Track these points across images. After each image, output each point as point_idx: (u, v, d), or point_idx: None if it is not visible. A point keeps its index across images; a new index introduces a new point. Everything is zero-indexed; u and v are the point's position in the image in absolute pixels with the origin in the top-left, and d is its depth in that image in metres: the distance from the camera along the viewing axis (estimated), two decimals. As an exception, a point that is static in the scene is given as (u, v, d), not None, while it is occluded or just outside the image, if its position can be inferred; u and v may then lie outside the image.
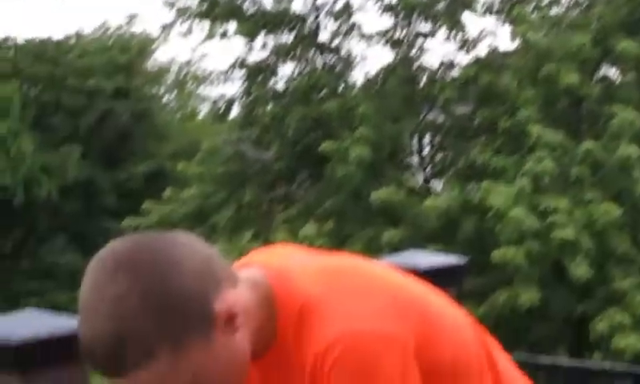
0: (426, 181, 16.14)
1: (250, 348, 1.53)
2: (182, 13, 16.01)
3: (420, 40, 15.96)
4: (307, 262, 1.63)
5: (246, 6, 16.19)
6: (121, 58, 24.81)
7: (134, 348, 1.41)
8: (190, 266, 1.46)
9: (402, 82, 15.72)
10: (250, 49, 16.49)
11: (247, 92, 16.80)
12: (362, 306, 1.53)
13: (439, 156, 16.44)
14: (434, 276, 1.97)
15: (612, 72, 15.11)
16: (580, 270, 12.04)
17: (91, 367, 1.46)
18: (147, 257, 1.45)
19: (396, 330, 1.51)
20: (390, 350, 1.50)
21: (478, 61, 15.41)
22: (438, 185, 16.32)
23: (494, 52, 15.68)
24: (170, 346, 1.43)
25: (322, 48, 16.27)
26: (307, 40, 16.35)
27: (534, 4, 15.13)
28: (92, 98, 24.30)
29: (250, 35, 16.14)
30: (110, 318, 1.42)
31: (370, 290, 1.57)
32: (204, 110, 25.62)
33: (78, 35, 26.10)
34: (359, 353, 1.49)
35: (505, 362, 1.73)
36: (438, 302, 1.65)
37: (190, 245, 1.49)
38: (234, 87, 20.55)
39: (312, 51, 16.51)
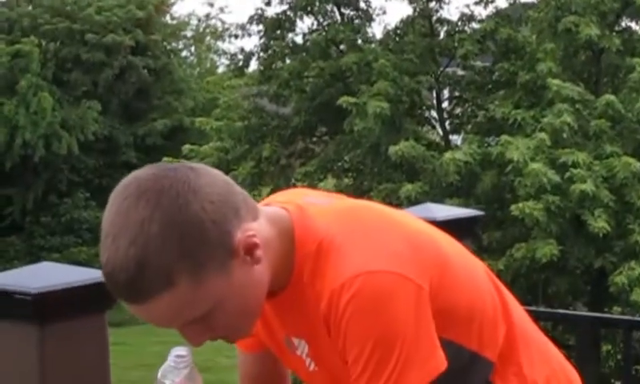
0: (445, 135, 16.11)
1: (269, 281, 1.55)
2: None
3: (439, -7, 15.88)
4: (327, 204, 1.65)
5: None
6: (139, 13, 24.77)
7: (155, 274, 1.43)
8: (210, 195, 1.48)
9: (421, 35, 15.66)
10: (269, 3, 16.45)
11: (265, 46, 16.77)
12: (380, 247, 1.55)
13: (458, 110, 16.41)
14: (450, 227, 1.98)
15: (633, 24, 14.99)
16: (599, 223, 12.04)
17: (113, 294, 1.48)
18: (169, 185, 1.47)
19: (411, 272, 1.53)
20: (404, 291, 1.52)
21: (497, 13, 15.32)
22: (457, 139, 16.29)
23: (513, 4, 15.58)
24: (189, 274, 1.45)
25: (341, 2, 16.20)
26: (325, -6, 16.29)
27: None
28: (110, 53, 24.31)
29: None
30: (131, 244, 1.44)
31: (387, 232, 1.59)
32: (222, 64, 25.58)
33: (96, -10, 26.06)
34: (375, 291, 1.50)
35: (520, 314, 1.73)
36: (455, 249, 1.67)
37: (211, 176, 1.52)
38: (252, 42, 20.50)
39: (330, 5, 16.44)
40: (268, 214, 1.58)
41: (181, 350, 1.64)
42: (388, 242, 1.56)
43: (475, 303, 1.63)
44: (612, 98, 12.72)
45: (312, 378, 1.68)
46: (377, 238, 1.57)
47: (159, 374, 1.63)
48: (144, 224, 1.44)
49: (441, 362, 1.55)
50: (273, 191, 15.81)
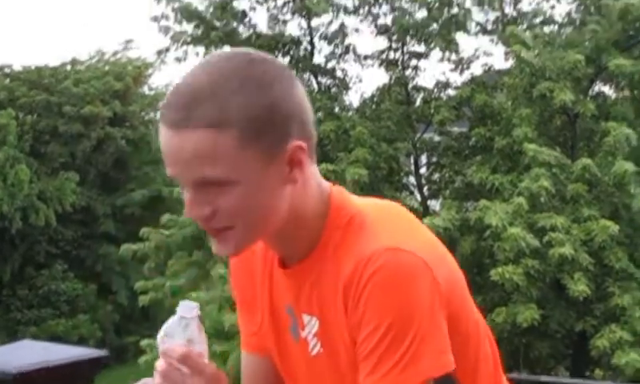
0: (424, 200, 16.16)
1: (285, 216, 1.58)
2: (177, 38, 16.05)
3: (414, 61, 16.04)
4: (362, 198, 1.73)
5: (240, 29, 16.25)
6: (117, 84, 24.87)
7: (215, 107, 1.50)
8: (295, 96, 1.58)
9: (397, 102, 15.78)
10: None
11: (243, 116, 16.82)
12: (409, 233, 1.61)
13: (436, 176, 16.47)
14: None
15: (606, 89, 15.18)
16: (579, 286, 12.04)
17: (162, 118, 1.53)
18: (262, 67, 1.57)
19: (434, 267, 1.58)
20: (426, 277, 1.55)
21: (472, 80, 15.48)
22: (435, 204, 16.33)
23: (488, 71, 15.75)
24: (239, 132, 1.51)
25: (317, 70, 16.33)
26: (302, 63, 16.41)
27: (527, 23, 15.22)
28: (88, 124, 24.35)
29: (246, 59, 16.18)
30: (209, 74, 1.53)
31: (416, 228, 1.65)
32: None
33: (74, 62, 26.17)
34: (400, 268, 1.54)
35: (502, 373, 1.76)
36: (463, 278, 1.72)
37: (302, 89, 1.62)
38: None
39: (307, 74, 16.56)
40: (317, 171, 1.65)
41: (187, 309, 1.62)
42: (416, 235, 1.62)
43: (475, 326, 1.68)
44: (588, 161, 12.81)
45: (313, 364, 1.67)
46: (407, 227, 1.64)
47: (162, 332, 1.61)
48: (226, 74, 1.53)
49: (451, 362, 1.56)
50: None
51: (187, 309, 1.62)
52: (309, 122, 1.61)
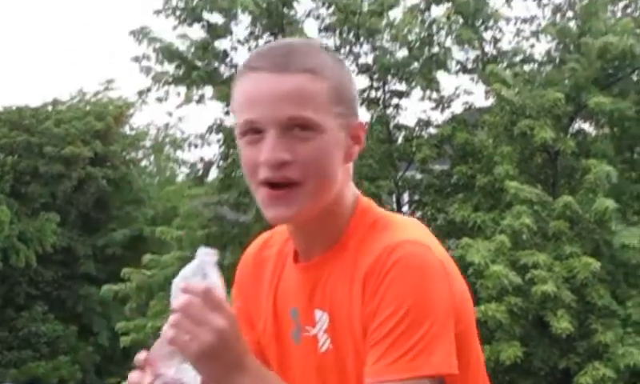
0: (406, 239, 16.13)
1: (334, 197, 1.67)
2: (158, 79, 16.06)
3: (396, 99, 16.10)
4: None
5: (222, 69, 16.28)
6: (98, 124, 24.84)
7: (309, 59, 1.65)
8: (354, 82, 1.74)
9: (379, 141, 15.80)
10: (227, 112, 16.54)
11: (225, 155, 16.81)
12: (431, 241, 1.66)
13: (418, 214, 16.48)
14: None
15: (586, 126, 15.26)
16: (562, 323, 12.04)
17: (256, 65, 1.65)
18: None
19: (451, 279, 1.64)
20: (445, 279, 1.61)
21: (453, 118, 15.53)
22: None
23: (469, 109, 15.82)
24: (328, 90, 1.64)
25: (299, 109, 16.34)
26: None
27: (507, 61, 15.32)
28: (69, 165, 24.27)
29: (227, 99, 16.19)
30: (301, 41, 1.77)
31: (437, 241, 1.70)
32: (182, 173, 25.63)
33: (55, 102, 26.14)
34: (424, 260, 1.59)
35: None
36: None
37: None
38: (211, 150, 20.57)
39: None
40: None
41: (207, 254, 1.62)
42: (439, 245, 1.68)
43: (478, 354, 1.72)
44: (569, 199, 12.85)
45: (321, 361, 1.68)
46: (431, 236, 1.69)
47: (178, 278, 1.59)
48: (313, 43, 1.76)
49: (456, 367, 1.59)
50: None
51: (207, 254, 1.61)
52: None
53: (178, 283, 1.58)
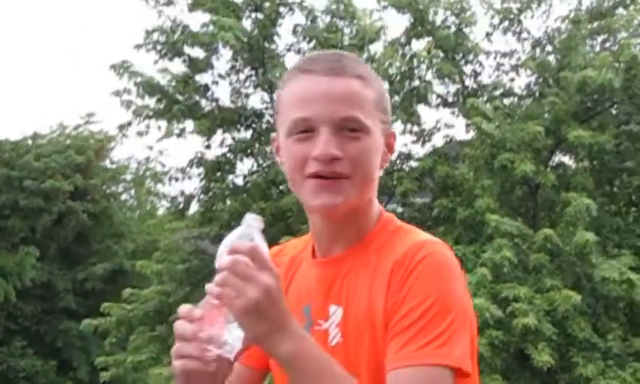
0: (387, 272, 16.12)
1: (367, 199, 1.84)
2: (139, 113, 16.05)
3: (376, 133, 16.12)
4: None
5: (203, 103, 16.29)
6: (78, 158, 24.75)
7: (359, 66, 1.80)
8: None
9: (360, 174, 15.81)
10: (208, 146, 16.55)
11: (206, 189, 16.80)
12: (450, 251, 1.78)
13: (399, 247, 16.48)
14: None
15: (566, 159, 15.34)
16: (543, 356, 12.03)
17: (311, 68, 1.77)
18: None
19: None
20: (464, 280, 1.74)
21: (434, 152, 15.58)
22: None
23: (449, 143, 15.88)
24: (374, 97, 1.79)
25: (280, 143, 16.33)
26: (265, 136, 16.45)
27: (487, 95, 15.40)
28: (49, 198, 24.15)
29: (208, 133, 16.20)
30: (345, 53, 1.87)
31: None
32: (163, 207, 25.57)
33: (35, 136, 26.05)
34: (448, 261, 1.71)
35: None
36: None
37: None
38: (192, 184, 20.53)
39: (270, 147, 16.59)
40: None
41: (252, 220, 1.67)
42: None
43: (475, 374, 1.77)
44: (550, 232, 12.89)
45: (330, 354, 1.71)
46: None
47: (223, 242, 1.66)
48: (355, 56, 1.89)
49: (471, 367, 1.68)
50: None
51: (254, 220, 1.68)
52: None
53: (224, 247, 1.62)
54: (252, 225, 1.64)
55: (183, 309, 1.58)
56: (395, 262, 1.68)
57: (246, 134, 16.61)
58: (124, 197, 28.48)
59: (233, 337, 1.56)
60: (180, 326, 1.57)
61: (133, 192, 28.49)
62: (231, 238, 1.62)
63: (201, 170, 16.68)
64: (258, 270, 1.57)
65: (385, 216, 1.86)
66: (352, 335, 1.70)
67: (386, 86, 15.75)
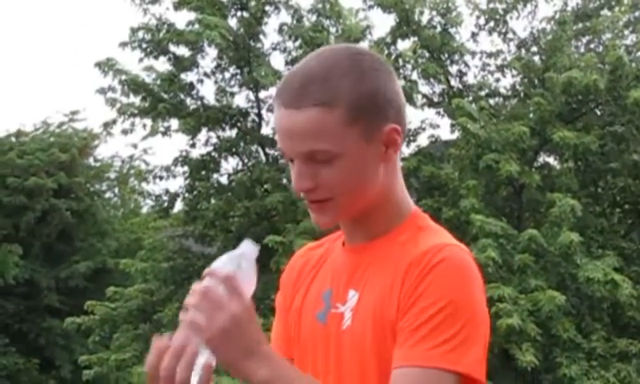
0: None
1: (378, 189, 1.77)
2: (124, 111, 16.00)
3: (362, 132, 16.12)
4: None
5: (188, 102, 16.25)
6: (62, 156, 24.64)
7: (323, 88, 1.70)
8: (396, 86, 1.79)
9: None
10: (193, 145, 16.51)
11: (190, 187, 16.75)
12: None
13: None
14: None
15: (551, 160, 15.38)
16: (527, 357, 12.06)
17: (279, 99, 1.73)
18: (366, 57, 1.79)
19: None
20: (484, 288, 1.73)
21: (419, 152, 15.59)
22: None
23: (435, 143, 15.89)
24: (344, 114, 1.70)
25: (265, 142, 16.34)
26: (250, 134, 16.43)
27: (472, 95, 15.42)
28: (32, 196, 24.03)
29: (193, 132, 16.16)
30: (321, 60, 1.76)
31: None
32: (147, 205, 25.49)
33: (19, 133, 25.92)
34: (469, 266, 1.70)
35: None
36: None
37: (397, 81, 1.82)
38: (176, 183, 20.46)
39: (255, 145, 16.57)
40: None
41: (248, 247, 1.67)
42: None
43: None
44: (534, 232, 12.91)
45: (340, 338, 1.76)
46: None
47: (214, 263, 1.64)
48: (338, 56, 1.76)
49: (485, 375, 1.69)
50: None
51: (249, 246, 1.67)
52: (403, 111, 1.81)
53: (208, 269, 1.64)
54: (245, 252, 1.65)
55: (157, 343, 1.59)
56: (412, 260, 1.69)
57: (231, 133, 16.59)
58: (108, 195, 28.37)
59: (205, 358, 1.58)
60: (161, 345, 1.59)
61: (117, 190, 28.39)
62: (223, 260, 1.63)
63: (185, 168, 16.64)
64: (227, 297, 1.59)
65: (416, 213, 1.82)
66: (360, 321, 1.72)
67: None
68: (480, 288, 1.71)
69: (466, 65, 15.63)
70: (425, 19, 15.14)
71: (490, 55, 15.82)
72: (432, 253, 1.68)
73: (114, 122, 16.34)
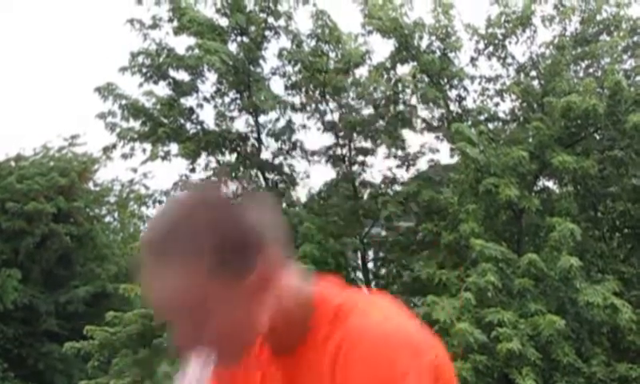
0: (371, 296, 16.09)
1: (269, 322, 1.63)
2: (124, 135, 16.00)
3: (361, 156, 16.15)
4: (352, 290, 1.76)
5: (188, 126, 16.26)
6: (61, 180, 24.66)
7: (185, 240, 1.56)
8: (264, 213, 1.65)
9: (345, 198, 15.82)
10: (193, 170, 16.51)
11: (190, 212, 16.73)
12: (399, 314, 1.66)
13: (383, 271, 16.47)
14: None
15: (550, 184, 15.38)
16: (527, 381, 12.02)
17: (143, 251, 1.61)
18: (224, 202, 1.63)
19: (424, 345, 1.64)
20: (416, 355, 1.60)
21: (418, 176, 15.60)
22: (382, 300, 16.26)
23: (434, 167, 15.90)
24: (207, 268, 1.57)
25: (265, 166, 16.35)
26: (249, 159, 16.44)
27: (471, 120, 15.44)
28: (32, 221, 24.04)
29: (192, 156, 16.17)
30: (180, 209, 1.61)
31: (403, 313, 1.68)
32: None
33: (19, 158, 25.95)
34: (386, 347, 1.57)
35: None
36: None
37: (263, 211, 1.67)
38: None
39: (254, 170, 16.58)
40: (297, 270, 1.72)
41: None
42: (405, 318, 1.66)
43: None
44: (534, 256, 12.90)
45: None
46: (396, 311, 1.66)
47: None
48: (194, 207, 1.60)
49: None
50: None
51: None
52: (276, 235, 1.67)
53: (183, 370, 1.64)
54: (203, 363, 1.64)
55: None
56: (331, 359, 1.61)
57: (231, 158, 16.59)
58: (107, 219, 28.39)
59: None
60: None
61: (116, 214, 28.40)
62: (192, 364, 1.64)
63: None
64: None
65: (320, 299, 1.68)
66: None
67: (370, 110, 15.88)
68: (415, 365, 1.58)
69: (465, 89, 15.67)
70: (424, 44, 15.17)
71: (489, 80, 15.85)
72: (345, 349, 1.59)
73: (114, 146, 16.34)
